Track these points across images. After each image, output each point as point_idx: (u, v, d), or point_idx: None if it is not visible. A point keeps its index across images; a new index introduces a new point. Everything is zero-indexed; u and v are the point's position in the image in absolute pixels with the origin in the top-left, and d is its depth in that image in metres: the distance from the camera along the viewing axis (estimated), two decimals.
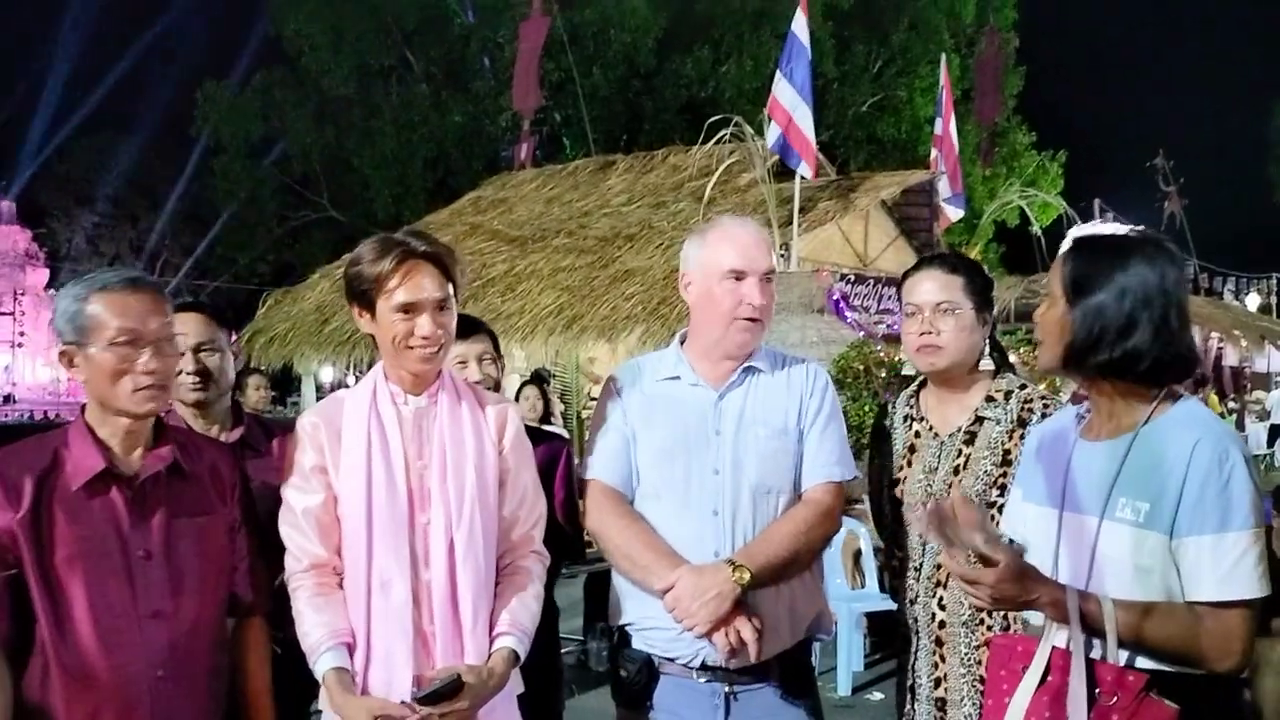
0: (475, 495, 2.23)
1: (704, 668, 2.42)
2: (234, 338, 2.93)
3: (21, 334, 28.02)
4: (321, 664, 2.13)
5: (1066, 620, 1.82)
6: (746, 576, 2.32)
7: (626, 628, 2.53)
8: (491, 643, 2.23)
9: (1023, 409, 2.55)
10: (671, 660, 2.45)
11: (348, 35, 23.59)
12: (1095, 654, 1.83)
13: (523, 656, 2.26)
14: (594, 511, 2.52)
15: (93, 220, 33.26)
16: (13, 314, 27.90)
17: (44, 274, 29.51)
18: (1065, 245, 2.01)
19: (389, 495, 2.20)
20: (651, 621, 2.44)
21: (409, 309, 2.20)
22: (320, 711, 2.19)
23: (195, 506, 2.15)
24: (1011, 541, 1.93)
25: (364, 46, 23.84)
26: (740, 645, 2.32)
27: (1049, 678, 1.86)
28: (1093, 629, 1.82)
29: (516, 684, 2.28)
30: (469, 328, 2.94)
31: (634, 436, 2.53)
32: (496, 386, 2.97)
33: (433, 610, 2.19)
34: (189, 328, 2.62)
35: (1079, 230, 2.02)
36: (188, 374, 2.63)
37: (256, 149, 25.58)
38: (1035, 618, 1.98)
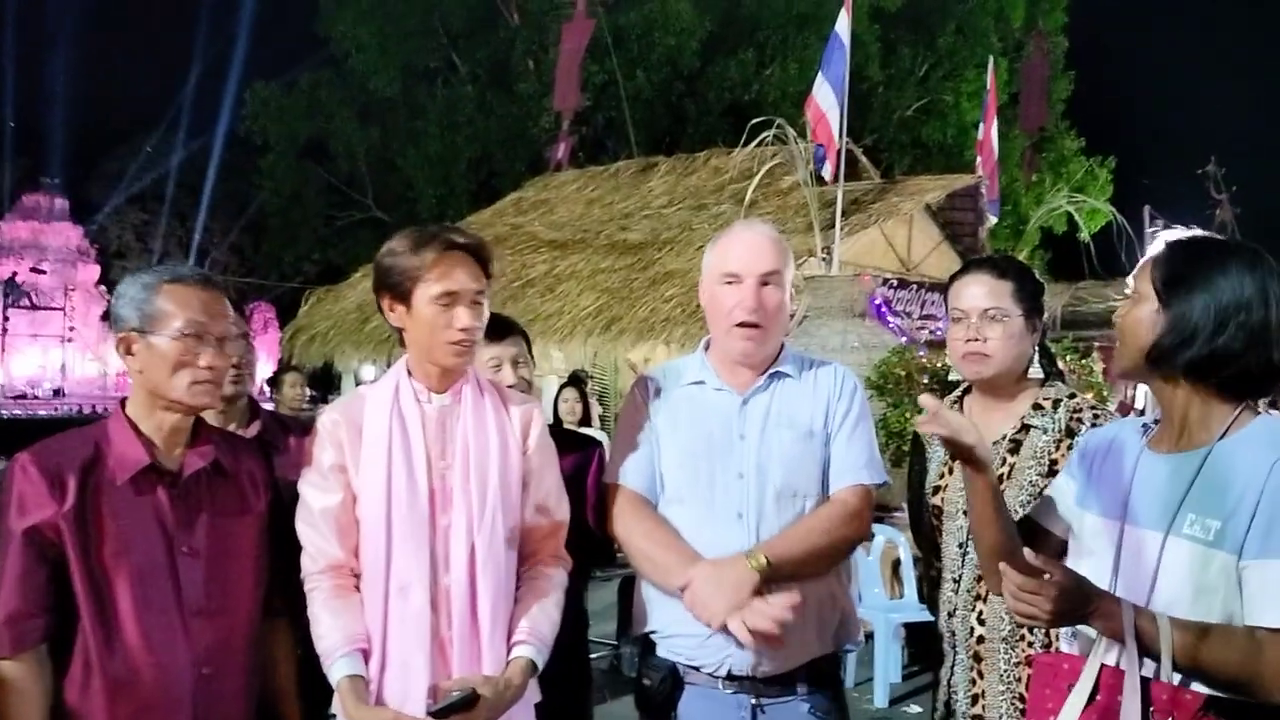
0: (498, 497, 2.20)
1: (730, 677, 2.37)
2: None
3: (71, 329, 28.49)
4: (336, 670, 2.10)
5: (1120, 636, 1.75)
6: (763, 560, 2.27)
7: (651, 635, 2.49)
8: (509, 651, 2.20)
9: (1071, 418, 2.47)
10: (697, 669, 2.41)
11: (395, 37, 23.76)
12: (1147, 673, 1.76)
13: (540, 666, 2.22)
14: (619, 517, 2.49)
15: (142, 217, 33.77)
16: (63, 309, 28.38)
17: (94, 270, 29.99)
18: (1156, 246, 1.95)
19: (409, 496, 2.16)
20: (676, 628, 2.41)
21: (447, 300, 2.17)
22: (335, 716, 2.16)
23: (235, 505, 2.17)
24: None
25: (411, 48, 24.00)
26: (759, 633, 2.21)
27: (1097, 697, 1.79)
28: (1146, 648, 1.75)
29: (534, 693, 2.24)
30: (503, 329, 2.91)
31: (658, 441, 2.50)
32: (529, 390, 2.94)
33: (451, 616, 2.15)
34: (240, 329, 2.62)
35: (1171, 233, 1.97)
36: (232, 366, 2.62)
37: (303, 149, 25.80)
38: (1084, 630, 1.91)
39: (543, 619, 2.24)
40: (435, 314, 2.17)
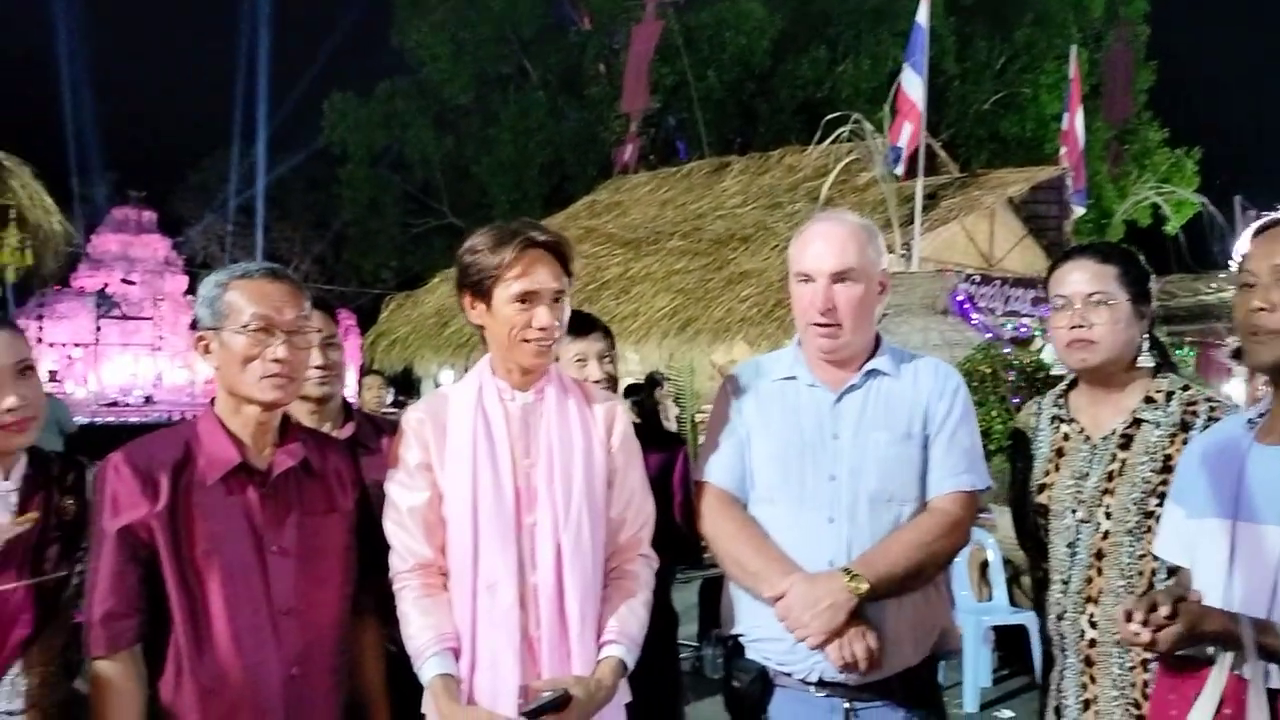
0: (583, 495, 2.16)
1: (821, 683, 2.30)
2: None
3: (160, 338, 29.29)
4: (427, 669, 2.09)
5: (1238, 649, 1.66)
6: (864, 587, 2.20)
7: (739, 638, 2.43)
8: (599, 650, 2.16)
9: (1185, 411, 2.34)
10: (787, 674, 2.34)
11: (468, 45, 24.03)
12: (1275, 683, 1.66)
13: (630, 666, 2.18)
14: (707, 516, 2.43)
15: (226, 229, 34.60)
16: (152, 319, 29.17)
17: (182, 281, 30.78)
18: (1258, 230, 1.84)
19: (495, 495, 2.13)
20: (765, 632, 2.34)
21: (527, 299, 2.14)
22: (425, 716, 2.14)
23: (323, 504, 2.16)
24: (1166, 573, 1.77)
25: (483, 55, 24.25)
26: (854, 661, 2.20)
27: (1224, 709, 1.69)
28: (1271, 656, 1.65)
29: (624, 693, 2.20)
30: (587, 325, 2.90)
31: (749, 438, 2.43)
32: (614, 385, 2.91)
33: (539, 614, 2.12)
34: (315, 322, 2.62)
35: (1270, 215, 1.85)
36: (315, 367, 2.63)
37: (380, 158, 26.22)
38: None
39: (631, 618, 2.20)
40: (514, 313, 2.14)
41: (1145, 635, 1.67)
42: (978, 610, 6.02)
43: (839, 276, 2.34)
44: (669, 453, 2.88)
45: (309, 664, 2.08)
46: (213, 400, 2.16)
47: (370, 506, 2.27)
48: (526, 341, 2.15)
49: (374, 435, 2.71)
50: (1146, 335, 2.46)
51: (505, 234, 2.16)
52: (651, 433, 3.12)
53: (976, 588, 6.40)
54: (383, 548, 2.23)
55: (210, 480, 2.04)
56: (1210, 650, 1.76)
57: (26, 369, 2.08)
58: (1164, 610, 1.67)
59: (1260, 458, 1.82)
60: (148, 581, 2.00)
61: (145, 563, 1.99)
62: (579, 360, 2.86)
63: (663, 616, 2.89)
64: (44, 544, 2.08)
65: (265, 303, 2.07)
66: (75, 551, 2.09)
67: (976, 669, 5.79)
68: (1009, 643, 6.18)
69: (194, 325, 2.13)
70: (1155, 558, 2.21)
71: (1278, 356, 1.83)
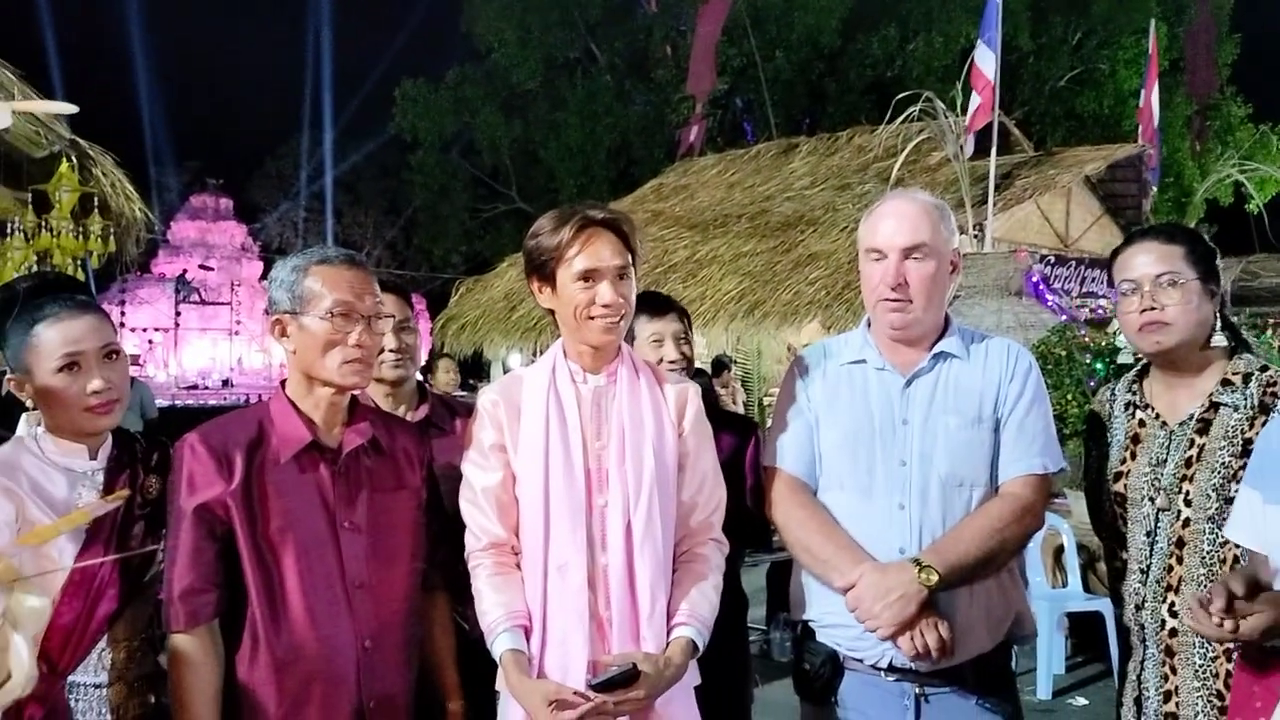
0: (654, 478, 2.16)
1: (892, 668, 2.28)
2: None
3: (238, 322, 29.94)
4: (499, 644, 2.11)
5: None
6: (934, 577, 2.17)
7: (810, 623, 2.42)
8: (669, 632, 2.16)
9: (1264, 393, 2.26)
10: (858, 659, 2.32)
11: (535, 30, 24.12)
12: None
13: (701, 647, 2.18)
14: (777, 502, 2.41)
15: (301, 215, 35.21)
16: (230, 304, 29.83)
17: (258, 266, 31.40)
18: None
19: (566, 476, 2.15)
20: (835, 619, 2.32)
21: (589, 277, 2.15)
22: (499, 693, 2.17)
23: (392, 481, 2.20)
24: (1238, 559, 1.71)
25: (550, 40, 24.32)
26: (927, 650, 2.18)
27: None
28: None
29: (694, 676, 2.20)
30: (663, 306, 2.91)
31: (817, 422, 2.41)
32: (690, 365, 2.91)
33: (609, 595, 2.13)
34: (390, 307, 2.65)
35: None
36: (390, 351, 2.67)
37: (449, 144, 26.46)
38: None
39: (702, 601, 2.19)
40: (578, 291, 2.15)
41: (1229, 625, 1.61)
42: (1052, 597, 5.92)
43: (910, 252, 2.31)
44: (741, 436, 2.86)
45: (381, 637, 2.12)
46: (283, 382, 2.20)
47: (438, 485, 2.31)
48: (592, 319, 2.16)
49: (448, 417, 2.74)
50: (1218, 315, 2.38)
51: (564, 215, 2.18)
52: (725, 416, 3.12)
53: (1051, 574, 6.29)
54: (451, 525, 2.26)
55: (283, 459, 2.08)
56: None
57: (113, 353, 2.14)
58: (1238, 590, 1.62)
59: None
60: (224, 558, 2.05)
61: (222, 539, 2.04)
62: (655, 340, 2.87)
63: (733, 599, 2.90)
64: (129, 522, 2.15)
65: (346, 289, 2.10)
66: (160, 529, 2.15)
67: (1050, 656, 5.69)
68: (1083, 630, 6.07)
69: (269, 308, 2.17)
70: (1236, 545, 2.15)
71: None
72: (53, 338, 2.08)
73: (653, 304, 2.93)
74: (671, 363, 2.86)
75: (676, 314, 2.93)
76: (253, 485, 2.05)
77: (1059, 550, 6.27)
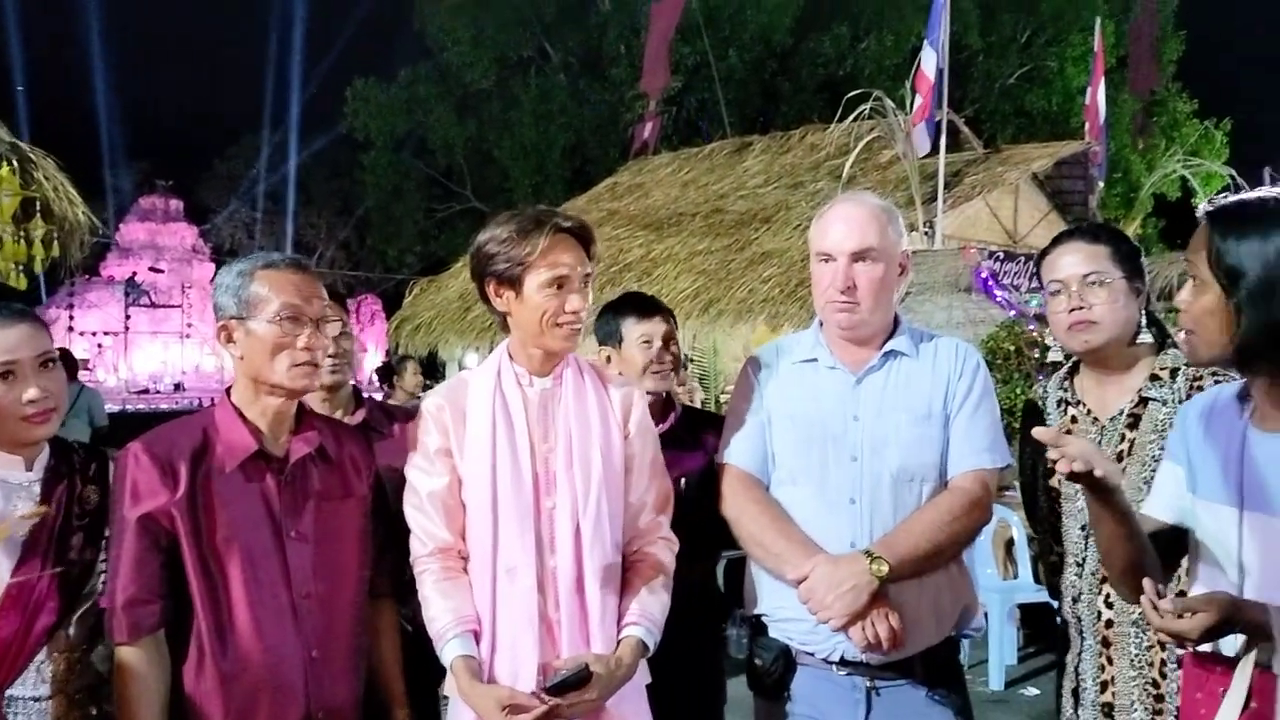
0: (602, 479, 2.17)
1: (843, 662, 2.31)
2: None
3: (189, 325, 29.54)
4: (448, 651, 2.11)
5: (1269, 641, 1.64)
6: (885, 569, 2.21)
7: (762, 618, 2.44)
8: (619, 632, 2.17)
9: (1192, 387, 2.32)
10: (810, 653, 2.35)
11: (488, 29, 24.00)
12: None
13: (651, 647, 2.19)
14: (729, 497, 2.44)
15: (253, 216, 34.81)
16: (181, 307, 29.44)
17: (209, 268, 30.99)
18: (1201, 219, 1.75)
19: (514, 480, 2.15)
20: (787, 612, 2.35)
21: (559, 284, 2.15)
22: (447, 697, 2.17)
23: (340, 490, 2.18)
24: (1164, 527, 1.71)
25: (504, 39, 24.22)
26: (878, 641, 2.21)
27: (1251, 704, 1.67)
28: None
29: (644, 675, 2.21)
30: (651, 308, 2.94)
31: (770, 419, 2.44)
32: (678, 366, 2.92)
33: (558, 597, 2.14)
34: (335, 313, 2.64)
35: (1210, 203, 1.77)
36: (328, 356, 2.65)
37: (403, 144, 26.27)
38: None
39: (652, 601, 2.21)
40: (547, 299, 2.15)
41: (1176, 624, 1.63)
42: (1003, 588, 6.01)
43: (859, 256, 2.35)
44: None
45: (328, 646, 2.10)
46: (229, 389, 2.18)
47: (384, 491, 2.30)
48: (559, 326, 2.16)
49: (385, 421, 2.74)
50: (1143, 312, 2.44)
51: (532, 222, 2.17)
52: (706, 417, 3.15)
53: (1002, 566, 6.38)
54: (397, 531, 2.25)
55: (229, 467, 2.06)
56: (1236, 649, 1.73)
57: (49, 361, 2.11)
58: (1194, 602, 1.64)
59: (1260, 444, 1.76)
60: (169, 568, 2.02)
61: (166, 550, 2.02)
62: (644, 342, 2.88)
63: (708, 600, 2.91)
64: (68, 533, 2.11)
65: (293, 292, 2.08)
66: (99, 540, 2.12)
67: (1002, 647, 5.78)
68: (1034, 621, 6.17)
69: (215, 314, 2.14)
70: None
71: (1204, 359, 1.79)
72: None
73: (640, 305, 2.96)
74: (660, 364, 2.87)
75: (664, 315, 2.96)
76: (197, 494, 2.03)
77: (1010, 542, 6.36)
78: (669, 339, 2.91)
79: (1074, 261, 2.39)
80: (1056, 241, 2.50)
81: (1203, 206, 1.78)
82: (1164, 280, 8.64)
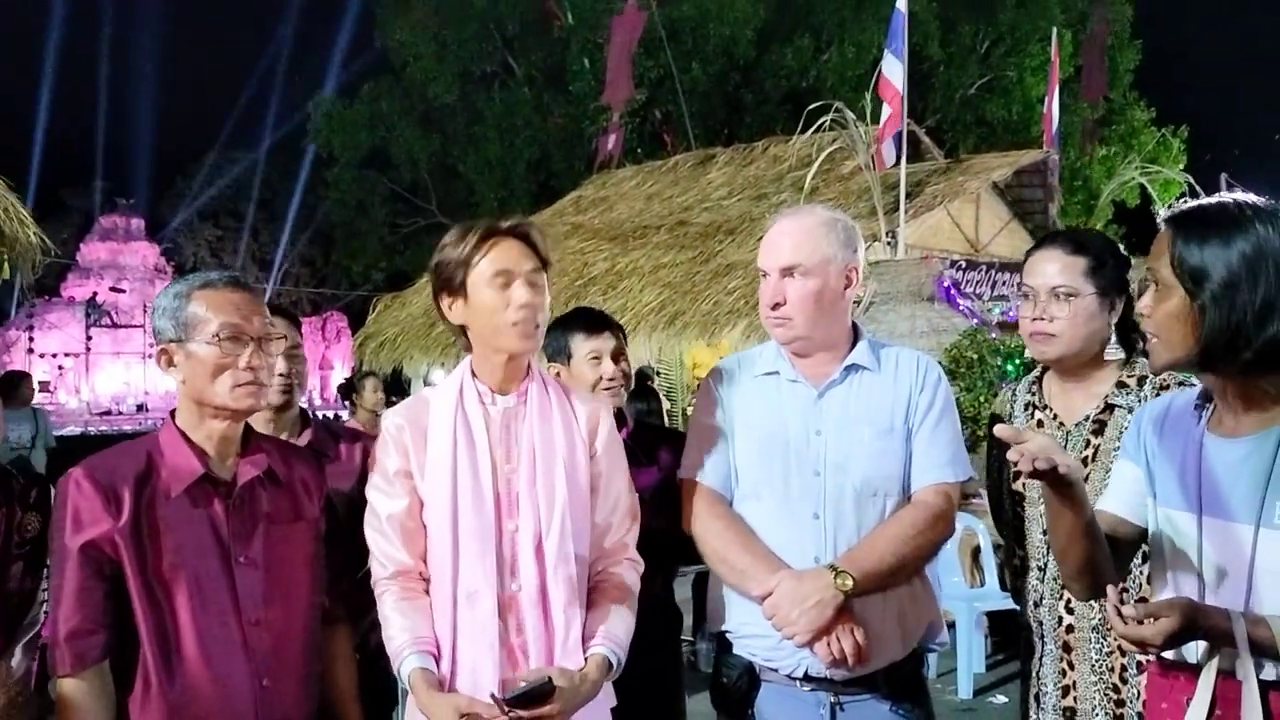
0: (566, 500, 2.13)
1: (808, 678, 2.30)
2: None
3: (152, 345, 29.28)
4: (406, 665, 2.07)
5: (1229, 645, 1.63)
6: (849, 583, 2.19)
7: (726, 634, 2.42)
8: (584, 652, 2.13)
9: (1157, 394, 2.32)
10: (774, 669, 2.33)
11: (451, 43, 23.97)
12: (1267, 675, 1.64)
13: (617, 668, 2.16)
14: (691, 514, 2.41)
15: (215, 234, 34.54)
16: (143, 327, 29.13)
17: None
18: (1162, 225, 1.76)
19: (475, 502, 2.10)
20: (751, 629, 2.33)
21: (502, 278, 2.11)
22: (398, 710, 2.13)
23: (289, 513, 2.13)
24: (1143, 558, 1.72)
25: (467, 54, 24.18)
26: (843, 656, 2.19)
27: (1216, 710, 1.67)
28: (1262, 652, 1.62)
29: (609, 697, 2.18)
30: (600, 323, 2.91)
31: (732, 434, 2.42)
32: (628, 382, 2.90)
33: (521, 621, 2.10)
34: (279, 330, 2.59)
35: (1171, 208, 1.77)
36: (278, 375, 2.59)
37: (367, 159, 26.14)
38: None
39: (618, 623, 2.17)
40: (492, 296, 2.11)
41: (1139, 631, 1.63)
42: (970, 596, 6.02)
43: (787, 271, 2.34)
44: (680, 452, 2.86)
45: (280, 674, 2.05)
46: (173, 412, 2.13)
47: (336, 513, 2.25)
48: (513, 324, 2.11)
49: (331, 442, 2.67)
50: (1113, 326, 2.43)
51: (468, 227, 2.16)
52: (663, 433, 3.13)
53: (969, 573, 6.40)
54: (349, 553, 2.21)
55: (174, 493, 2.01)
56: (1199, 656, 1.73)
57: None
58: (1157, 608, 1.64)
59: (1216, 450, 1.76)
60: (113, 597, 1.96)
61: (110, 578, 1.96)
62: (593, 358, 2.85)
63: (666, 617, 2.89)
64: (6, 561, 2.06)
65: (233, 311, 2.03)
66: (40, 568, 2.06)
67: (970, 655, 5.79)
68: (1002, 628, 6.18)
69: (154, 338, 2.09)
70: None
71: (1165, 363, 1.79)
72: None
73: (589, 321, 2.92)
74: (610, 380, 2.84)
75: (613, 330, 2.93)
76: (142, 521, 1.97)
77: (977, 550, 6.38)
78: (618, 354, 2.88)
79: (1048, 271, 2.40)
80: (1040, 244, 2.51)
81: (1164, 212, 1.78)
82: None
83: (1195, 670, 1.72)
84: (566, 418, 2.20)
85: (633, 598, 2.24)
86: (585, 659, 2.12)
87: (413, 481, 2.15)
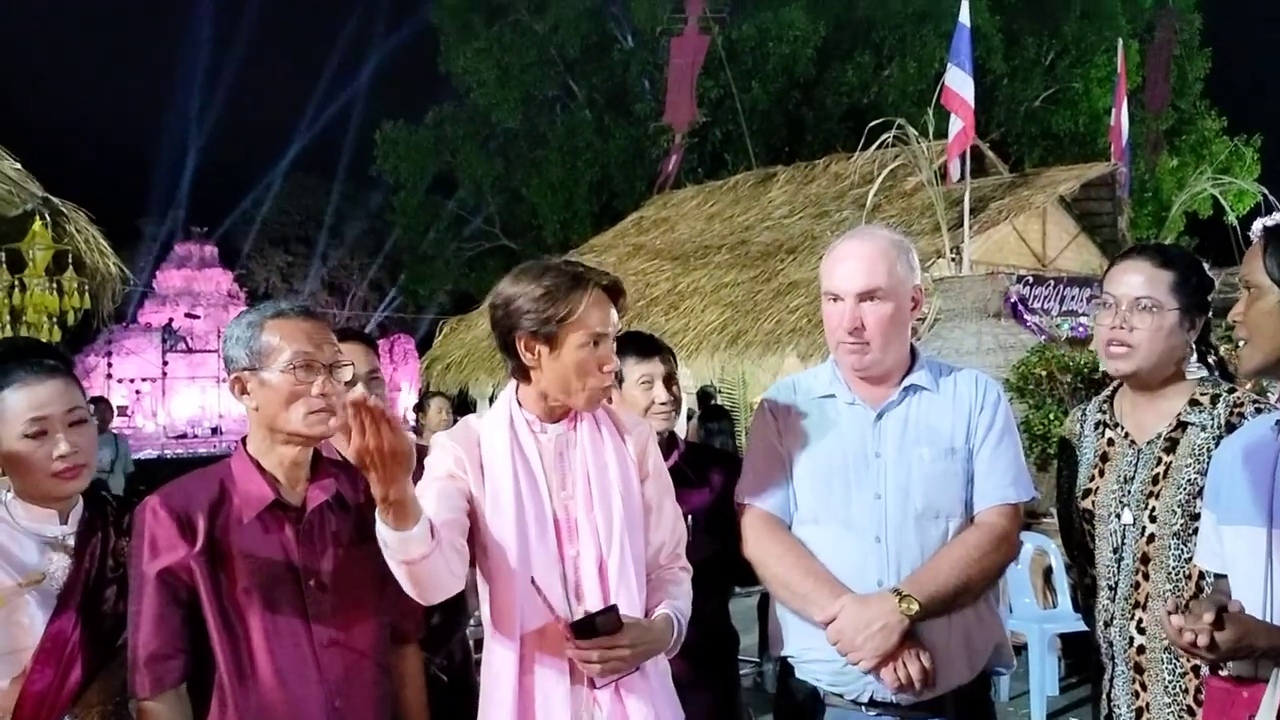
0: (624, 523, 2.13)
1: (874, 703, 2.28)
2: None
3: (225, 370, 29.87)
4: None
5: None
6: (914, 607, 2.18)
7: (789, 659, 2.41)
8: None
9: (1232, 413, 2.28)
10: (839, 695, 2.31)
11: (513, 69, 24.25)
12: None
13: (679, 631, 2.13)
14: (751, 539, 2.41)
15: (286, 260, 35.24)
16: (217, 351, 29.79)
17: None
18: (1258, 235, 1.80)
19: (539, 530, 2.10)
20: (815, 654, 2.32)
21: (599, 340, 2.10)
22: None
23: (358, 535, 2.15)
24: (1214, 578, 1.71)
25: (529, 79, 24.46)
26: (909, 681, 2.17)
27: None
28: None
29: (677, 709, 2.16)
30: (651, 348, 2.91)
31: (791, 458, 2.41)
32: (679, 406, 2.91)
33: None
34: (357, 357, 2.64)
35: (1268, 219, 1.81)
36: None
37: (432, 184, 26.52)
38: None
39: (679, 595, 2.18)
40: (586, 356, 2.09)
41: (1197, 638, 1.61)
42: (1042, 618, 5.91)
43: (866, 295, 2.32)
44: (730, 474, 2.83)
45: (351, 695, 2.09)
46: (243, 439, 2.18)
47: None
48: (598, 387, 2.12)
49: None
50: (1193, 347, 2.39)
51: (571, 279, 2.10)
52: (714, 454, 3.13)
53: (1041, 595, 6.28)
54: None
55: (246, 519, 2.06)
56: (1258, 669, 1.70)
57: (80, 420, 2.14)
58: (1208, 617, 1.62)
59: None
60: (190, 622, 2.02)
61: (186, 603, 2.02)
62: (644, 382, 2.85)
63: (722, 638, 2.89)
64: (101, 585, 2.14)
65: (305, 340, 2.08)
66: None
67: (1043, 678, 5.67)
68: (1076, 650, 6.05)
69: (227, 366, 2.15)
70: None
71: (1256, 366, 1.83)
72: (18, 403, 2.09)
73: (640, 345, 2.92)
74: (663, 404, 2.85)
75: (664, 355, 2.92)
76: (216, 547, 2.03)
77: (1048, 571, 6.25)
78: (670, 379, 2.88)
79: (1132, 282, 2.35)
80: (1126, 254, 2.47)
81: (1259, 224, 1.84)
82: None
83: (1254, 684, 1.69)
84: (617, 442, 2.21)
85: (687, 585, 2.23)
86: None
87: (469, 505, 2.11)
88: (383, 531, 1.88)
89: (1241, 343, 1.81)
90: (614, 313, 2.15)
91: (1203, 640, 1.63)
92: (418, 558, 1.89)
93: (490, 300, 2.22)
